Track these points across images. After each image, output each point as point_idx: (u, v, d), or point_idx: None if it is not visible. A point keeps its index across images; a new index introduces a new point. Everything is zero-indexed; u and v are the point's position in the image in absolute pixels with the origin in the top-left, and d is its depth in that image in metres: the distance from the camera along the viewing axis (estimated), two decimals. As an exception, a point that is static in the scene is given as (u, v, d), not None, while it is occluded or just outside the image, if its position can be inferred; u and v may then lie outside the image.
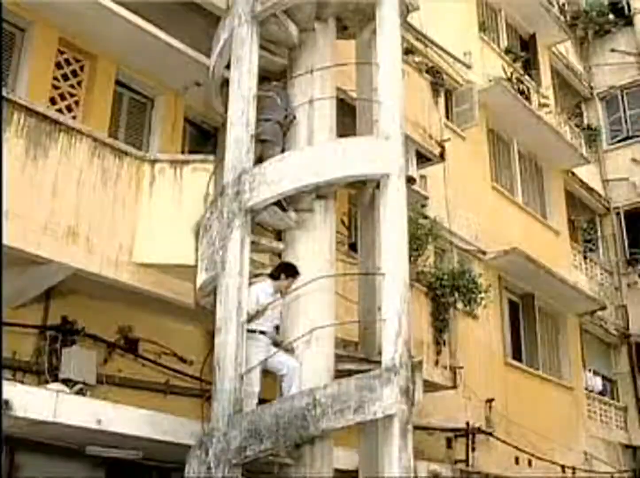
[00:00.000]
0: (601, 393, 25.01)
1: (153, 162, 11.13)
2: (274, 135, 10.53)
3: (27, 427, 9.98)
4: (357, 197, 11.60)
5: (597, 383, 25.11)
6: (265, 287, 9.81)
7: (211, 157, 11.28)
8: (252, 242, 9.67)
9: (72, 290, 11.41)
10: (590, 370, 24.63)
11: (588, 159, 25.63)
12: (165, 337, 12.36)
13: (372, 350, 10.33)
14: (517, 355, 20.44)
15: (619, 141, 28.29)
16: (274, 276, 9.87)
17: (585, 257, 25.63)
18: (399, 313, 9.34)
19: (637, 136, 27.83)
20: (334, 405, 8.71)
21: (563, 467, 20.38)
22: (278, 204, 9.88)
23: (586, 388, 23.70)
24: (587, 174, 26.59)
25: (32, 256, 9.91)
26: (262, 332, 9.62)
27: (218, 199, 9.92)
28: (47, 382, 10.80)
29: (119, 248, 10.58)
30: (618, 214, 27.26)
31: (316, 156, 9.84)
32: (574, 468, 20.93)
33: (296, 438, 8.83)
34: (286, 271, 9.86)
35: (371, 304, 10.63)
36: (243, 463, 8.78)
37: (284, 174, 9.61)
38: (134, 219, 10.78)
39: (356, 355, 10.40)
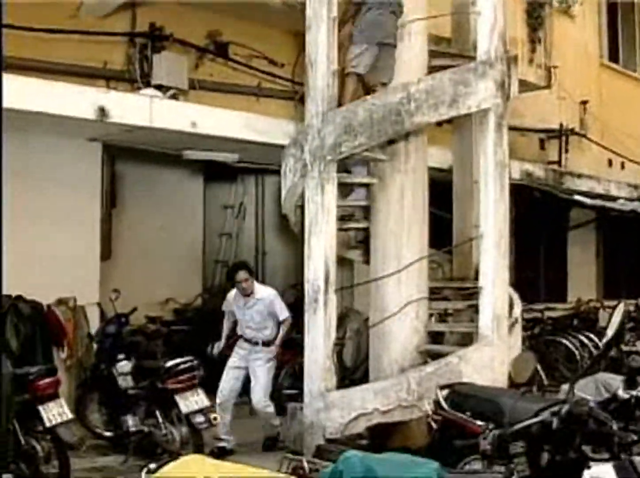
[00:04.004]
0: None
1: None
2: None
3: (125, 134, 10.20)
4: None
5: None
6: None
7: None
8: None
9: (157, -3, 11.26)
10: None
11: None
12: (254, 41, 12.21)
13: (466, 45, 10.03)
14: (613, 56, 19.72)
15: None
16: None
17: None
18: (494, 6, 9.01)
19: None
20: (428, 99, 8.60)
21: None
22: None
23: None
24: None
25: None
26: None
27: None
28: (139, 89, 10.86)
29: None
30: None
31: None
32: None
33: (390, 133, 8.81)
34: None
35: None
36: (338, 159, 8.85)
37: None
38: None
39: (449, 51, 10.12)
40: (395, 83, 8.98)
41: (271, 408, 9.50)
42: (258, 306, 9.48)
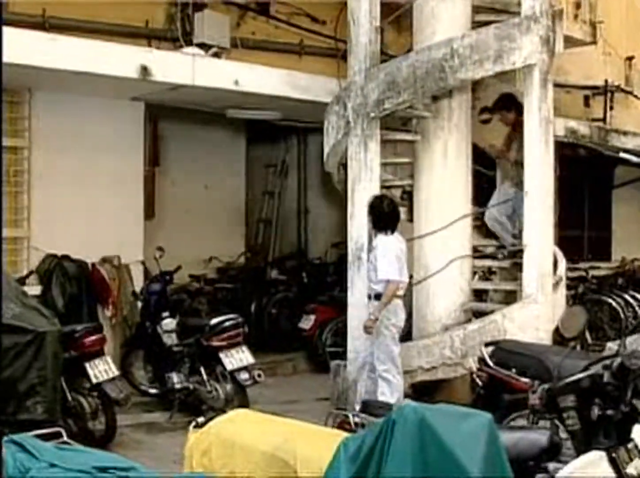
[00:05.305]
0: None
1: None
2: None
3: (167, 92, 10.21)
4: None
5: None
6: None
7: None
8: None
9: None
10: None
11: None
12: (297, -2, 12.13)
13: (510, 0, 9.84)
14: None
15: None
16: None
17: None
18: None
19: None
20: (472, 55, 8.47)
21: None
22: None
23: None
24: None
25: None
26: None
27: None
28: (181, 47, 10.82)
29: None
30: None
31: None
32: None
33: (434, 89, 8.73)
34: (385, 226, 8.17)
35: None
36: (381, 116, 8.79)
37: None
38: None
39: (494, 6, 9.92)
40: (439, 38, 8.86)
41: (387, 386, 7.97)
42: (372, 253, 8.14)
